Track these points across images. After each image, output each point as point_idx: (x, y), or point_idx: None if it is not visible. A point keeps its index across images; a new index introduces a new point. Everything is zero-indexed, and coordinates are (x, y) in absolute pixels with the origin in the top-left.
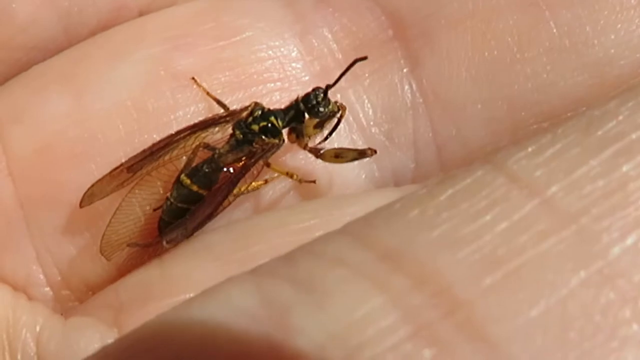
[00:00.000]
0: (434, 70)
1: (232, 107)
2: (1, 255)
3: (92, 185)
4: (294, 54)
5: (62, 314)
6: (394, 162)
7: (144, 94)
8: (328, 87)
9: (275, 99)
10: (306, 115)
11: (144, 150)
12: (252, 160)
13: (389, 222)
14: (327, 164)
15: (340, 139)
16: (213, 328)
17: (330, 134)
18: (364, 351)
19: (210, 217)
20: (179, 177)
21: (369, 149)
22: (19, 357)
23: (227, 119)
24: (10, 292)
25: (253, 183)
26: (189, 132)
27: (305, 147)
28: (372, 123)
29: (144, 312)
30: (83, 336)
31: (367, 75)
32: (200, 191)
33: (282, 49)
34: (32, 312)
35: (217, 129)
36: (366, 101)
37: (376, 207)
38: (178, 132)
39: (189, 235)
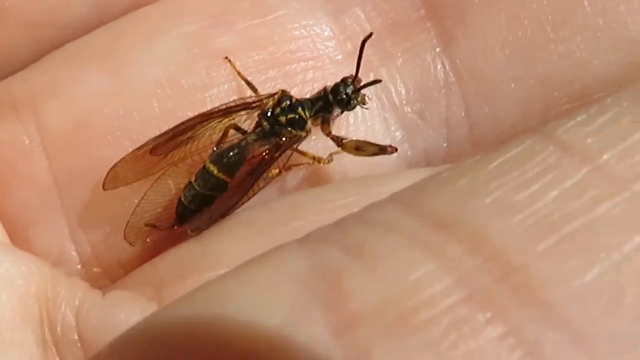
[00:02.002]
0: (467, 49)
1: (265, 88)
2: (35, 231)
3: (115, 166)
4: (326, 33)
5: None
6: (426, 141)
7: (179, 71)
8: (354, 76)
9: (308, 77)
10: (334, 106)
11: (166, 132)
12: (278, 153)
13: (439, 190)
14: None
15: (373, 118)
16: (265, 293)
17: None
18: (419, 313)
19: (234, 206)
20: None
21: (390, 146)
22: (58, 330)
23: (255, 105)
24: (48, 267)
25: (277, 170)
26: (214, 116)
27: (328, 134)
28: (404, 102)
29: (185, 285)
30: (123, 309)
31: (399, 54)
32: (224, 178)
33: (315, 28)
34: (70, 287)
35: (244, 115)
36: (399, 80)
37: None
38: (202, 115)
39: (213, 223)
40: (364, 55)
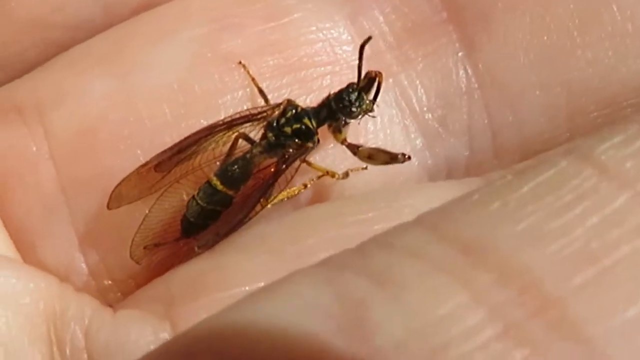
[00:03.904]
0: (490, 54)
1: (280, 94)
2: (42, 242)
3: (120, 184)
4: (344, 37)
5: (110, 306)
6: (447, 149)
7: (190, 76)
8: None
9: (325, 83)
10: (338, 114)
11: (171, 147)
12: (285, 166)
13: (468, 213)
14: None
15: (393, 126)
16: (284, 325)
17: (374, 101)
18: (450, 350)
19: (242, 221)
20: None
21: (402, 154)
22: (67, 350)
23: (260, 116)
24: (56, 283)
25: (293, 189)
26: (217, 129)
27: (343, 143)
28: (425, 109)
29: (197, 305)
30: (134, 329)
31: (420, 59)
32: (229, 192)
33: (332, 31)
34: (80, 304)
35: (248, 127)
36: (419, 86)
37: (435, 199)
38: (206, 129)
39: (220, 239)
40: (379, 59)
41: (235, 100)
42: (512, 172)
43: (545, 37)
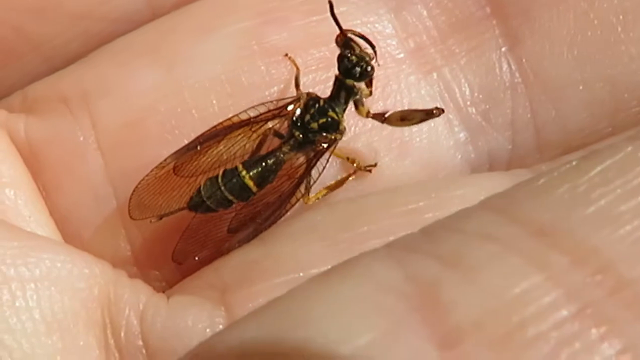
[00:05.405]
0: (534, 49)
1: (327, 86)
2: (89, 231)
3: (137, 190)
4: (388, 31)
5: (163, 292)
6: (490, 143)
7: (237, 68)
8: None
9: None
10: (357, 84)
11: (186, 146)
12: (316, 160)
13: (536, 197)
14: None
15: (436, 119)
16: (359, 304)
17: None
18: (527, 329)
19: (279, 216)
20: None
21: (436, 108)
22: (122, 336)
23: (282, 113)
24: (110, 269)
25: (335, 182)
26: (239, 131)
27: (367, 115)
28: (468, 103)
29: (253, 290)
30: (190, 314)
31: (463, 53)
32: (253, 187)
33: (376, 25)
34: (134, 290)
35: (271, 125)
36: (463, 80)
37: (485, 189)
38: (225, 128)
39: (257, 235)
40: (423, 53)
41: (281, 93)
42: (576, 158)
43: (589, 33)
